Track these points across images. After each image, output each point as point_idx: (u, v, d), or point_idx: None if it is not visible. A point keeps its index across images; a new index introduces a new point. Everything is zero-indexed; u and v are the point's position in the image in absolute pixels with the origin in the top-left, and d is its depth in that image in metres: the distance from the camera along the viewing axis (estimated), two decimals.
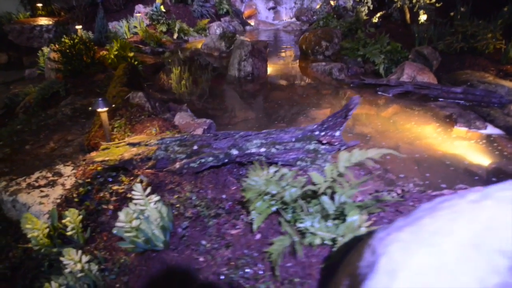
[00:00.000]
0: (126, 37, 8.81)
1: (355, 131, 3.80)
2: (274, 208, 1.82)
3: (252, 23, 12.54)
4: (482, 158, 3.23)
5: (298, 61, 7.44)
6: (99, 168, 2.69)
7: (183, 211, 2.10)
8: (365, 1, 7.74)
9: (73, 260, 1.90)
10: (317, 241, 1.72)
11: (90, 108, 2.65)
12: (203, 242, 1.91)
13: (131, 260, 2.00)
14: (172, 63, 7.16)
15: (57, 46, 5.34)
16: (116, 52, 5.80)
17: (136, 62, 5.85)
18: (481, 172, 2.97)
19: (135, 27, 9.47)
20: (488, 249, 0.94)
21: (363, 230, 1.75)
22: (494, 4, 6.46)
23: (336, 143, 2.50)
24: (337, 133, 2.54)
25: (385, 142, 3.52)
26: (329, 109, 4.69)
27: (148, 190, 1.93)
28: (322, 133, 2.53)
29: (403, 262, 1.00)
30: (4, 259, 2.45)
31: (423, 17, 7.08)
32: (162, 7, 10.37)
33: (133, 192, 1.92)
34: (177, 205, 2.16)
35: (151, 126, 3.16)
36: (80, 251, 1.93)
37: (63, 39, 5.44)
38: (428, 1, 6.95)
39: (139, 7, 10.83)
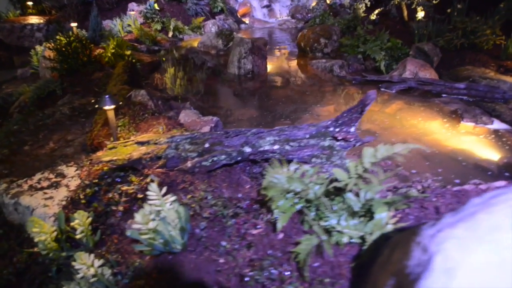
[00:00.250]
0: (120, 35, 8.64)
1: (362, 128, 3.76)
2: (299, 207, 1.75)
3: (247, 21, 12.45)
4: (492, 153, 3.21)
5: (296, 58, 7.39)
6: (106, 168, 2.59)
7: (199, 211, 2.02)
8: None
9: (86, 264, 1.81)
10: (345, 239, 1.67)
11: (96, 106, 2.54)
12: (223, 243, 1.84)
13: (146, 263, 1.91)
14: (170, 62, 7.04)
15: (52, 44, 5.19)
16: (113, 50, 5.67)
17: (134, 61, 5.72)
18: (493, 167, 2.96)
19: (128, 25, 9.30)
20: None
21: (389, 228, 1.70)
22: (490, 0, 6.50)
23: (351, 139, 2.45)
24: (352, 129, 2.49)
25: (394, 139, 3.49)
26: (333, 106, 4.65)
27: (164, 190, 1.85)
28: (337, 129, 2.48)
29: (461, 260, 0.95)
30: (8, 264, 2.33)
31: (420, 14, 7.10)
32: (156, 5, 10.22)
33: (148, 192, 1.84)
34: (192, 205, 2.08)
35: (157, 125, 3.06)
36: (92, 255, 1.84)
37: (58, 37, 5.28)
38: None
39: (132, 5, 10.66)
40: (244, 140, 2.49)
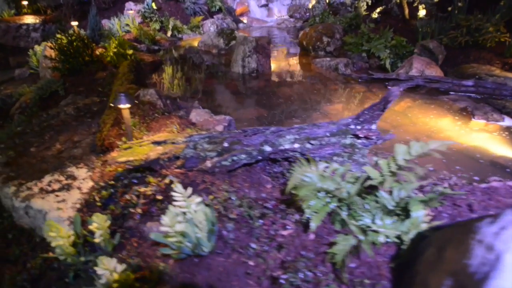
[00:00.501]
0: (119, 35, 8.52)
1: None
2: (332, 206, 1.70)
3: (245, 21, 12.38)
4: (507, 150, 3.20)
5: (299, 57, 7.35)
6: (120, 169, 2.51)
7: (225, 212, 1.96)
8: None
9: (108, 269, 1.74)
10: (381, 238, 1.62)
11: (111, 105, 2.46)
12: (252, 244, 1.78)
13: (170, 267, 1.84)
14: (171, 61, 6.96)
15: (53, 43, 5.07)
16: (115, 50, 5.57)
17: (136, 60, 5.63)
18: (511, 164, 2.94)
19: (127, 25, 9.18)
20: None
21: (424, 226, 1.66)
22: None
23: (373, 137, 2.41)
24: (374, 127, 2.45)
25: (408, 137, 3.46)
26: (341, 104, 4.61)
27: (189, 190, 1.78)
28: (358, 127, 2.43)
29: None
30: (21, 270, 2.25)
31: (422, 12, 7.11)
32: (153, 4, 10.11)
33: (173, 193, 1.77)
34: (216, 206, 2.01)
35: (170, 124, 2.99)
36: (114, 260, 1.77)
37: (59, 36, 5.17)
38: None
39: (130, 5, 10.54)
40: (263, 139, 2.44)
